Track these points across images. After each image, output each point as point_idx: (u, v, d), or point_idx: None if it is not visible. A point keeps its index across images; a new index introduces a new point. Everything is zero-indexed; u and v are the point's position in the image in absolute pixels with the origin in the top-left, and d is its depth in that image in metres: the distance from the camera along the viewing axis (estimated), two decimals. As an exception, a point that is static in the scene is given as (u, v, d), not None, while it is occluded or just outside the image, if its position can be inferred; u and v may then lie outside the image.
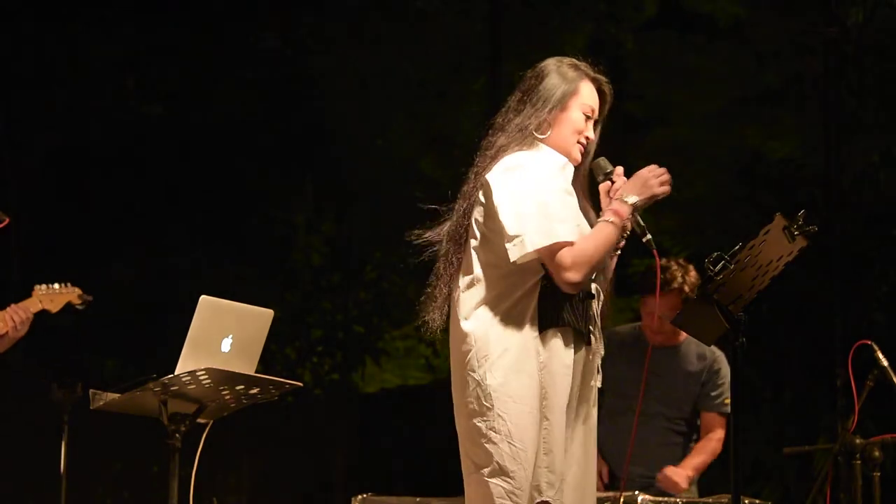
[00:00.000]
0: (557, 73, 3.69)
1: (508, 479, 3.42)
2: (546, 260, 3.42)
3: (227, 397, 4.02)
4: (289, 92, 11.20)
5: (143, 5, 10.63)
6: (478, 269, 3.51)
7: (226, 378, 3.87)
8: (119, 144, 10.64)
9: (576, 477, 3.52)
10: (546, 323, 3.44)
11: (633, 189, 3.52)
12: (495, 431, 3.43)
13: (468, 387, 3.49)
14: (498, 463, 3.43)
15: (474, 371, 3.48)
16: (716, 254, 3.40)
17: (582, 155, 3.66)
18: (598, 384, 3.63)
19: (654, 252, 3.55)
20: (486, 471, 3.46)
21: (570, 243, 3.40)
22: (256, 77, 11.15)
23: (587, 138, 3.65)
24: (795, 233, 3.43)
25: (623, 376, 5.06)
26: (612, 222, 3.44)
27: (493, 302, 3.48)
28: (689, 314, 3.59)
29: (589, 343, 3.53)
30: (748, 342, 3.48)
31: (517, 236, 3.41)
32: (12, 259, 9.87)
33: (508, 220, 3.43)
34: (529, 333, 3.44)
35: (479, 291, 3.50)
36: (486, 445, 3.45)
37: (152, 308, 10.18)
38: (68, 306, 5.13)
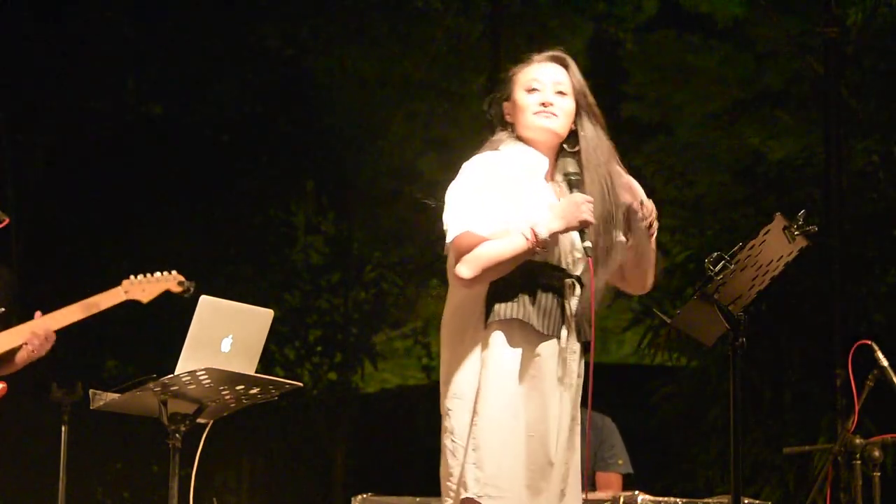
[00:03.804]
0: (503, 81, 3.67)
1: (450, 477, 3.42)
2: (451, 254, 3.43)
3: (227, 397, 4.01)
4: (289, 92, 11.20)
5: (143, 5, 10.63)
6: (449, 273, 3.53)
7: (226, 378, 3.87)
8: (119, 144, 10.64)
9: (555, 476, 3.45)
10: (490, 319, 3.40)
11: (555, 216, 3.41)
12: (445, 428, 3.45)
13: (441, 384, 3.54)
14: (444, 459, 3.44)
15: (440, 368, 3.53)
16: (716, 254, 3.39)
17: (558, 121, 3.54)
18: (581, 380, 3.56)
19: (590, 261, 3.44)
20: (441, 468, 3.47)
21: (475, 240, 3.37)
22: (256, 77, 11.16)
23: (547, 103, 3.52)
24: (795, 233, 3.42)
25: None
26: (527, 239, 3.36)
27: (457, 302, 3.50)
28: (689, 314, 3.58)
29: (557, 337, 3.44)
30: (748, 342, 3.48)
31: (445, 233, 3.44)
32: (12, 259, 9.87)
33: (444, 217, 3.47)
34: (475, 329, 3.43)
35: (450, 294, 3.53)
36: (443, 442, 3.46)
37: (152, 308, 10.17)
38: (167, 295, 4.91)
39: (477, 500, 3.35)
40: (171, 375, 3.79)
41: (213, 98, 10.89)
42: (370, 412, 11.80)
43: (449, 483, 3.42)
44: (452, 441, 3.42)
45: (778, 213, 3.43)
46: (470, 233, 3.38)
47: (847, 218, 7.86)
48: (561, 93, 3.55)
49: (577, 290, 3.51)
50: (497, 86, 3.71)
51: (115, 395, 3.93)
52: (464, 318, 3.46)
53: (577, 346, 3.53)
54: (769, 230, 3.40)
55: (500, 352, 3.40)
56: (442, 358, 3.53)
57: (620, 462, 5.68)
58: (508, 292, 3.41)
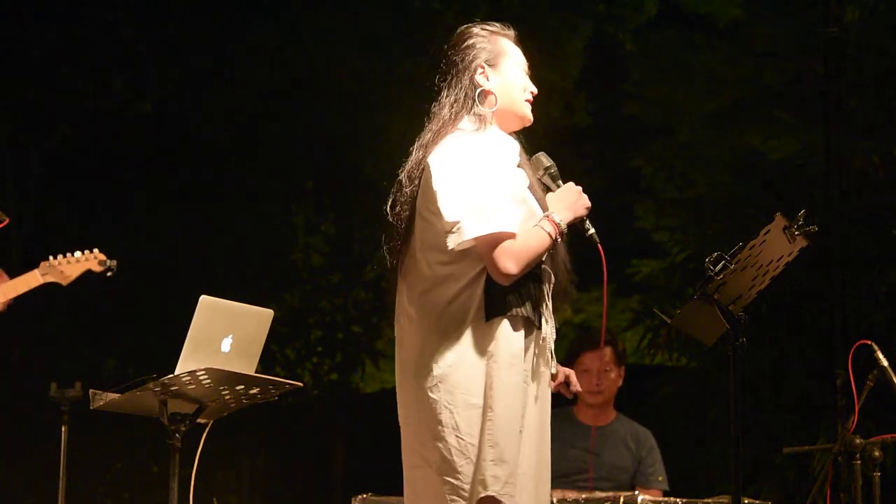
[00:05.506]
0: (475, 40, 3.66)
1: (457, 475, 3.32)
2: (483, 249, 3.33)
3: (227, 397, 4.01)
4: (288, 92, 11.19)
5: (142, 5, 10.64)
6: (422, 258, 3.45)
7: (226, 378, 3.87)
8: (119, 144, 10.64)
9: (531, 464, 3.40)
10: (493, 311, 3.34)
11: (562, 207, 3.44)
12: (442, 425, 3.33)
13: (416, 377, 3.40)
14: (446, 457, 3.33)
15: (420, 361, 3.40)
16: (716, 254, 3.40)
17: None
18: (553, 370, 3.55)
19: (599, 247, 3.47)
20: (434, 466, 3.36)
21: (511, 235, 3.32)
22: (256, 77, 11.15)
23: (534, 94, 3.59)
24: (795, 233, 3.43)
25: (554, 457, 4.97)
26: (549, 234, 3.38)
27: (439, 290, 3.40)
28: (689, 314, 3.58)
29: (539, 328, 3.43)
30: (748, 342, 3.48)
31: (456, 223, 3.35)
32: (12, 259, 9.86)
33: (447, 207, 3.37)
34: (475, 321, 3.35)
35: (424, 279, 3.44)
36: (435, 439, 3.35)
37: (152, 308, 10.18)
38: (89, 275, 4.82)
39: (498, 497, 3.28)
40: (171, 375, 3.79)
41: (212, 98, 10.88)
42: (370, 412, 11.78)
43: (457, 482, 3.32)
44: (458, 437, 3.31)
45: (778, 213, 3.44)
46: (506, 227, 3.32)
47: (847, 218, 7.85)
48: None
49: (552, 276, 3.50)
50: (476, 38, 3.66)
51: (115, 395, 3.93)
52: (463, 310, 3.36)
53: (553, 333, 3.52)
54: (769, 230, 3.41)
55: (508, 344, 3.34)
56: (431, 350, 3.37)
57: (661, 479, 5.73)
58: (506, 283, 3.36)
